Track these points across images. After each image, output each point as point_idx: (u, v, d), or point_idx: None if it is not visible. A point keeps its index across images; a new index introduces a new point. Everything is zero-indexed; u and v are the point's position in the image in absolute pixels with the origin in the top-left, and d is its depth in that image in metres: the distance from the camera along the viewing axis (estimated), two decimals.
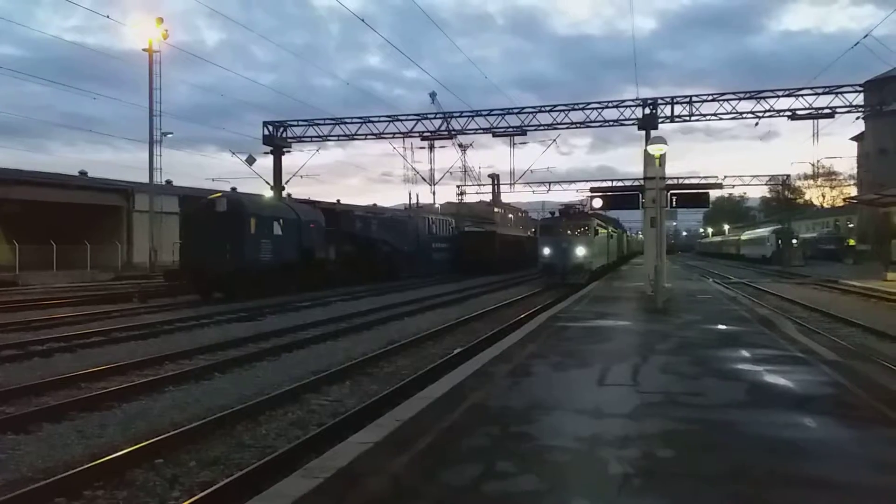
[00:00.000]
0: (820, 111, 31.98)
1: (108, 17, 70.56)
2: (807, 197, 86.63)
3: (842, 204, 75.38)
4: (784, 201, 65.54)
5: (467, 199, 63.86)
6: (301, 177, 40.93)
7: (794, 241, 53.97)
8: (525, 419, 5.41)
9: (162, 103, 34.42)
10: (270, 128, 37.38)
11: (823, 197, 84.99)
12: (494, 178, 74.32)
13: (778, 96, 32.12)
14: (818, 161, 65.01)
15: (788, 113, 32.05)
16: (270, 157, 37.68)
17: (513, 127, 35.96)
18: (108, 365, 10.02)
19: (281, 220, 24.40)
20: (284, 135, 37.69)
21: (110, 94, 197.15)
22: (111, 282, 29.88)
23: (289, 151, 38.49)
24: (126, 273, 33.78)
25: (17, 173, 36.04)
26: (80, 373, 9.46)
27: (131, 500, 5.19)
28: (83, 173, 41.24)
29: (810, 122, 34.07)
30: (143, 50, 33.64)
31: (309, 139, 38.06)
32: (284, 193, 38.21)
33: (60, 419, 7.26)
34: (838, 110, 31.68)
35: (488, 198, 75.26)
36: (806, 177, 76.56)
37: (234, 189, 43.89)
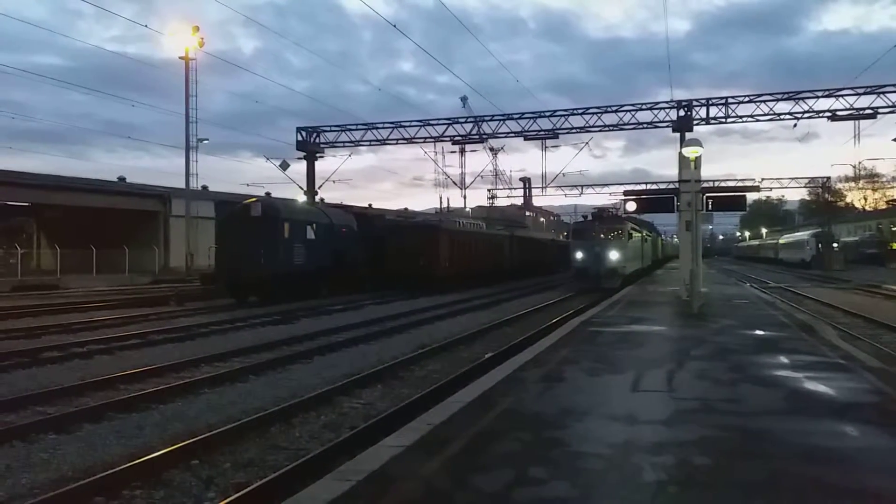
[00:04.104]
0: (861, 112, 31.20)
1: (146, 26, 72.22)
2: (848, 200, 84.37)
3: (884, 206, 73.35)
4: (824, 204, 63.96)
5: (498, 203, 63.55)
6: (333, 182, 41.28)
7: (835, 244, 52.65)
8: (557, 425, 5.36)
9: (198, 110, 35.11)
10: (304, 133, 37.86)
11: (865, 199, 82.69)
12: (526, 182, 73.90)
13: (817, 97, 31.42)
14: (860, 163, 63.30)
15: (828, 114, 31.31)
16: (304, 163, 38.15)
17: (544, 130, 35.82)
18: (145, 367, 10.22)
19: (314, 225, 24.66)
20: (317, 140, 38.13)
21: (149, 102, 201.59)
22: (149, 285, 30.51)
23: (322, 157, 38.93)
24: (163, 277, 34.42)
25: (59, 179, 37.11)
26: (118, 374, 9.66)
27: (168, 500, 5.27)
28: (122, 179, 42.23)
29: (851, 123, 33.33)
30: (180, 58, 34.34)
31: (341, 144, 38.45)
32: (317, 198, 38.65)
33: (99, 420, 7.43)
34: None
35: (519, 202, 74.82)
36: (847, 179, 74.55)
37: (268, 194, 44.46)
